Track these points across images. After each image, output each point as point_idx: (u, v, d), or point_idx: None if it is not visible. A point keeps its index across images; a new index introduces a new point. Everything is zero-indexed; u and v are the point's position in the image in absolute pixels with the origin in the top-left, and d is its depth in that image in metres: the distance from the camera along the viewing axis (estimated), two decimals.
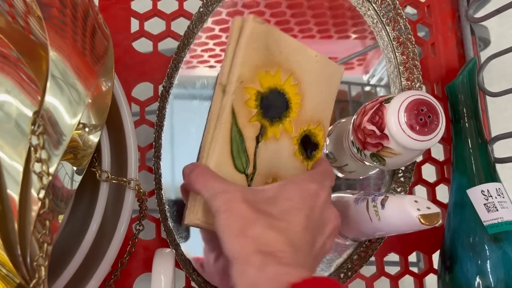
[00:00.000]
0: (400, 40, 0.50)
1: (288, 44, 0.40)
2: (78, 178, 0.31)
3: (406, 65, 0.50)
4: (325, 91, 0.43)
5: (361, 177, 0.51)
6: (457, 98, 0.50)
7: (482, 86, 0.51)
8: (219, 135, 0.38)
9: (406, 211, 0.35)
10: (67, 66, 0.27)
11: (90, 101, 0.31)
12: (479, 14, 0.53)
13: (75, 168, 0.32)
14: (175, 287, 0.44)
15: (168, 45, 0.51)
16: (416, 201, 0.36)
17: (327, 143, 0.49)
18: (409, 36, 0.49)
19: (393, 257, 0.51)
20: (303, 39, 0.54)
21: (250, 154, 0.39)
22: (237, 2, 0.51)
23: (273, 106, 0.40)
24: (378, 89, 0.54)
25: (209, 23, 0.49)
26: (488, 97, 0.53)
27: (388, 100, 0.39)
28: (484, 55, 0.55)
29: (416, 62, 0.49)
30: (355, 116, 0.43)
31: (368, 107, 0.41)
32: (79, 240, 0.33)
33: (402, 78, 0.50)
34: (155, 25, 0.50)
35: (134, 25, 0.49)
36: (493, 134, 0.50)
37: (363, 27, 0.53)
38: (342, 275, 0.47)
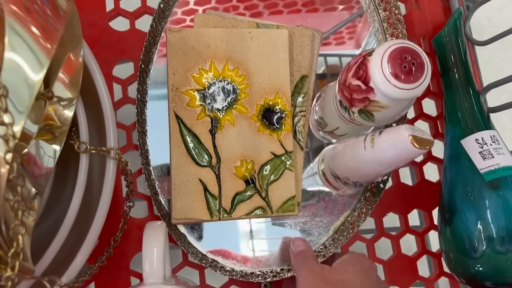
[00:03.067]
0: None
1: (214, 35, 0.44)
2: (57, 155, 0.31)
3: (390, 20, 0.49)
4: (273, 59, 0.44)
5: None
6: (444, 50, 0.49)
7: (470, 35, 0.50)
8: (171, 142, 0.42)
9: (399, 133, 0.35)
10: (24, 26, 0.26)
11: (60, 73, 0.31)
12: None
13: (54, 147, 0.31)
14: (171, 265, 0.43)
15: (146, 21, 0.50)
16: (412, 128, 0.35)
17: (316, 109, 0.48)
18: None
19: (393, 222, 0.50)
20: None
21: (209, 147, 0.43)
22: None
23: (218, 97, 0.43)
24: None
25: None
26: (481, 59, 0.52)
27: (371, 53, 0.38)
28: (475, 15, 0.53)
29: (399, 16, 0.48)
30: (340, 74, 0.42)
31: (352, 63, 0.40)
32: (62, 215, 0.32)
33: (386, 35, 0.49)
34: (130, 2, 0.50)
35: (109, 4, 0.48)
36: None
37: None
38: (341, 237, 0.46)
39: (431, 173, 0.52)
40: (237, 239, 0.45)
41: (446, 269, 0.47)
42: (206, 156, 0.42)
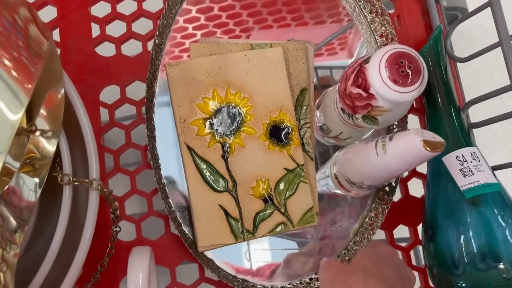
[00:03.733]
0: None
1: (213, 63, 0.45)
2: (39, 189, 0.31)
3: (377, 22, 0.50)
4: (272, 78, 0.46)
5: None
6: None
7: (450, 52, 0.51)
8: (187, 173, 0.43)
9: (411, 138, 0.36)
10: (1, 67, 0.27)
11: (41, 109, 0.32)
12: None
13: (35, 180, 0.32)
14: (159, 286, 0.44)
15: (131, 46, 0.51)
16: (422, 132, 0.36)
17: (318, 116, 0.49)
18: None
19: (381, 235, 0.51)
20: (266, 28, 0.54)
21: (224, 173, 0.44)
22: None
23: (224, 122, 0.44)
24: None
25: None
26: (471, 66, 0.52)
27: (367, 60, 0.39)
28: (465, 22, 0.54)
29: (386, 17, 0.49)
30: (338, 83, 0.43)
31: (349, 71, 0.41)
32: (46, 246, 0.33)
33: (376, 36, 0.50)
34: (116, 28, 0.50)
35: (95, 30, 0.49)
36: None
37: None
38: (362, 239, 0.47)
39: (417, 188, 0.53)
40: (262, 256, 0.47)
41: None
42: (222, 182, 0.43)
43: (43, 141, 0.33)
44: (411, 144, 0.35)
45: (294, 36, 0.53)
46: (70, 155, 0.34)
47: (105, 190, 0.35)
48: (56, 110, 0.32)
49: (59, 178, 0.33)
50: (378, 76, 0.38)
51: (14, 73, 0.27)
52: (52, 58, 0.31)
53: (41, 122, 0.32)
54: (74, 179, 0.33)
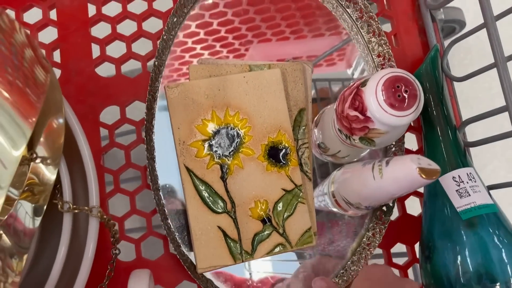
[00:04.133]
0: (363, 19, 0.50)
1: (211, 85, 0.45)
2: (39, 216, 0.32)
3: (374, 42, 0.51)
4: (270, 99, 0.46)
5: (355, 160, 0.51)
6: (422, 86, 0.50)
7: (447, 71, 0.51)
8: (186, 195, 0.43)
9: (406, 165, 0.36)
10: (4, 101, 0.27)
11: (42, 138, 0.32)
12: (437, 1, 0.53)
13: (35, 206, 0.32)
14: None
15: (131, 67, 0.51)
16: (418, 158, 0.37)
17: (316, 134, 0.50)
18: (370, 13, 0.50)
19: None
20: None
21: (223, 194, 0.44)
22: (203, 14, 0.52)
23: (223, 144, 0.45)
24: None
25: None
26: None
27: (364, 84, 0.39)
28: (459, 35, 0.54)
29: (383, 37, 0.50)
30: (336, 105, 0.43)
31: (346, 93, 0.41)
32: (47, 273, 0.33)
33: (373, 55, 0.51)
34: (116, 49, 0.51)
35: (95, 50, 0.50)
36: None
37: (327, 12, 0.53)
38: (359, 258, 0.48)
39: (415, 205, 0.53)
40: (260, 275, 0.47)
41: None
42: (221, 203, 0.44)
43: (43, 169, 0.33)
44: (407, 171, 0.36)
45: (293, 49, 0.53)
46: (70, 182, 0.34)
47: (105, 217, 0.35)
48: (56, 138, 0.33)
49: (59, 206, 0.34)
50: (374, 100, 0.38)
51: (18, 107, 0.28)
52: (53, 88, 0.32)
53: (41, 150, 0.33)
54: (74, 206, 0.34)
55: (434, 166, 0.36)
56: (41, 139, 0.33)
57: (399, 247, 0.52)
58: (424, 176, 0.35)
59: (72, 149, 0.36)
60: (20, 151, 0.28)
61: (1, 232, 0.26)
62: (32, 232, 0.31)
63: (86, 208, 0.34)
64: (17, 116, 0.28)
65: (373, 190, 0.41)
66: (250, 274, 0.47)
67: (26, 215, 0.31)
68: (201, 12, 0.51)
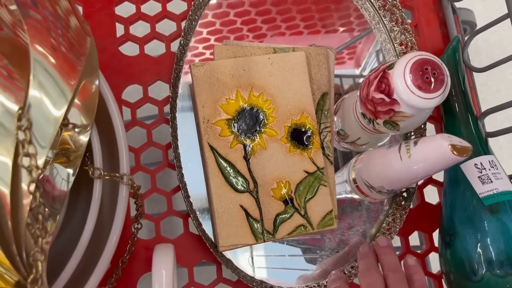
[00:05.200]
0: (386, 7, 0.51)
1: (237, 65, 0.45)
2: (71, 179, 0.32)
3: (396, 30, 0.51)
4: (294, 81, 0.46)
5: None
6: None
7: (468, 62, 0.52)
8: (209, 173, 0.43)
9: (438, 143, 0.36)
10: (47, 63, 0.27)
11: (76, 99, 0.32)
12: None
13: (68, 170, 0.32)
14: (178, 285, 0.44)
15: (154, 46, 0.51)
16: (449, 136, 0.37)
17: (335, 121, 0.50)
18: (394, 2, 0.50)
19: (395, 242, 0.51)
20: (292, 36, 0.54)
21: (245, 173, 0.44)
22: (221, 3, 0.52)
23: (247, 124, 0.45)
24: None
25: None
26: (478, 79, 0.54)
27: (390, 66, 0.40)
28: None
29: (406, 26, 0.50)
30: (360, 89, 0.44)
31: (372, 77, 0.41)
32: (76, 239, 0.33)
33: (395, 44, 0.51)
34: (140, 28, 0.51)
35: (119, 29, 0.50)
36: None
37: (347, 4, 0.54)
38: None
39: (432, 195, 0.53)
40: (279, 257, 0.48)
41: None
42: (243, 182, 0.44)
43: (76, 133, 0.33)
44: (438, 149, 0.36)
45: (305, 44, 0.53)
46: (101, 150, 0.34)
47: (135, 185, 0.35)
48: (90, 102, 0.33)
49: (90, 172, 0.34)
50: (402, 82, 0.38)
51: (61, 70, 0.28)
52: (91, 53, 0.32)
53: (75, 113, 0.32)
54: (105, 173, 0.34)
55: (465, 143, 0.36)
56: (75, 101, 0.32)
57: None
58: (456, 153, 0.35)
59: (101, 118, 0.36)
60: (61, 112, 0.28)
61: (41, 189, 0.26)
62: (64, 194, 0.31)
63: (117, 174, 0.34)
64: (59, 77, 0.28)
65: (400, 171, 0.41)
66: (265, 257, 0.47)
67: (60, 177, 0.31)
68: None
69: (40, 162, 0.25)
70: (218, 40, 0.51)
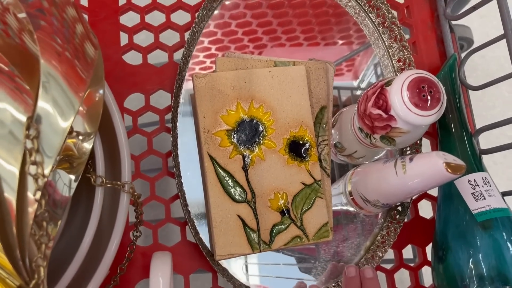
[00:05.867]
0: (385, 24, 0.52)
1: (238, 77, 0.46)
2: (74, 185, 0.32)
3: (395, 47, 0.52)
4: (294, 94, 0.47)
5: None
6: None
7: (464, 80, 0.53)
8: (208, 182, 0.44)
9: (432, 160, 0.37)
10: (57, 74, 0.28)
11: (80, 107, 0.33)
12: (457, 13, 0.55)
13: (71, 176, 0.33)
14: None
15: (157, 56, 0.52)
16: (444, 154, 0.38)
17: (332, 133, 0.51)
18: (394, 19, 0.51)
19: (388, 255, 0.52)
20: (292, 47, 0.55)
21: (243, 184, 0.45)
22: (223, 14, 0.53)
23: (246, 135, 0.45)
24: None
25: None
26: (474, 95, 0.55)
27: (388, 83, 0.41)
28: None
29: (404, 43, 0.51)
30: (358, 104, 0.44)
31: (369, 93, 0.43)
32: (76, 245, 0.34)
33: (393, 60, 0.52)
34: (143, 38, 0.52)
35: (124, 38, 0.51)
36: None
37: (347, 18, 0.55)
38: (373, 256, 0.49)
39: (426, 209, 0.54)
40: (274, 266, 0.49)
41: None
42: (241, 192, 0.44)
43: (80, 141, 0.34)
44: (433, 166, 0.37)
45: (304, 56, 0.54)
46: (103, 157, 0.35)
47: (136, 193, 0.36)
48: (95, 110, 0.33)
49: (92, 180, 0.34)
50: (399, 99, 0.39)
51: (70, 81, 0.29)
52: (99, 64, 0.33)
53: (79, 120, 0.33)
54: (107, 181, 0.34)
55: (459, 161, 0.37)
56: (80, 108, 0.33)
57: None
58: (450, 171, 0.36)
59: (105, 125, 0.36)
60: (68, 123, 0.29)
61: (47, 197, 0.27)
62: (66, 200, 0.31)
63: (119, 183, 0.35)
64: (68, 89, 0.29)
65: (395, 186, 0.42)
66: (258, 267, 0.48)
67: (62, 183, 0.32)
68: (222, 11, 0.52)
69: (47, 171, 0.26)
70: (219, 49, 0.52)
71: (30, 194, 0.26)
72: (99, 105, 0.34)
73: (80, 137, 0.34)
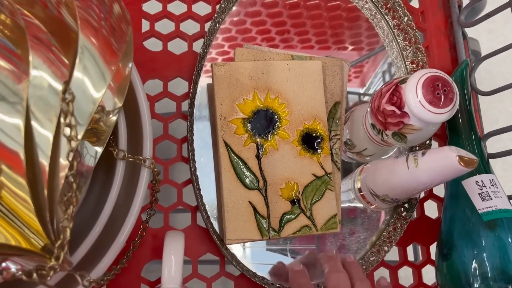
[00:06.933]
0: (401, 27, 0.53)
1: (256, 68, 0.47)
2: (98, 156, 0.33)
3: (408, 49, 0.53)
4: (309, 88, 0.48)
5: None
6: None
7: (474, 85, 0.54)
8: (221, 168, 0.45)
9: (446, 154, 0.38)
10: (93, 48, 0.29)
11: (111, 82, 0.34)
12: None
13: (96, 148, 0.34)
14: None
15: (177, 44, 0.53)
16: (456, 148, 0.39)
17: (344, 131, 0.52)
18: (409, 22, 0.52)
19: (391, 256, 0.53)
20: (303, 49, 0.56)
21: (256, 171, 0.46)
22: (240, 11, 0.54)
23: (261, 124, 0.47)
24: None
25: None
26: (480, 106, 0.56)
27: (403, 81, 0.42)
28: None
29: (419, 45, 0.53)
30: (371, 100, 0.45)
31: (384, 90, 0.44)
32: (93, 218, 0.34)
33: (406, 62, 0.53)
34: (164, 26, 0.53)
35: (145, 25, 0.52)
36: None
37: (360, 23, 0.56)
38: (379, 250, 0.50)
39: (430, 210, 0.55)
40: (281, 256, 0.49)
41: None
42: (254, 180, 0.45)
43: (107, 112, 0.34)
44: (446, 159, 0.38)
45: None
46: (127, 132, 0.36)
47: (156, 169, 0.37)
48: (123, 83, 0.34)
49: (115, 153, 0.35)
50: (414, 96, 0.41)
51: (104, 55, 0.30)
52: (130, 41, 0.34)
53: (107, 93, 0.34)
54: (129, 155, 0.35)
55: (471, 156, 0.38)
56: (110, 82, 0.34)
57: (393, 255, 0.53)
58: (463, 164, 0.37)
59: (128, 100, 0.37)
60: (100, 94, 0.30)
61: (79, 159, 0.28)
62: (90, 169, 0.32)
63: (140, 157, 0.36)
64: (102, 62, 0.30)
65: (406, 180, 0.42)
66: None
67: (87, 154, 0.33)
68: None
69: (79, 136, 0.27)
70: (232, 47, 0.53)
71: (62, 159, 0.27)
72: (127, 79, 0.35)
73: (107, 110, 0.34)
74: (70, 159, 0.26)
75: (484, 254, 0.44)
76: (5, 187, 0.27)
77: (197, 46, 0.52)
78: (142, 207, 0.45)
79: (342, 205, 0.50)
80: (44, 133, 0.27)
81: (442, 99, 0.40)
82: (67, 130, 0.26)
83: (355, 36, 0.57)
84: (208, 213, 0.46)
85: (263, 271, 0.47)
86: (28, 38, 0.29)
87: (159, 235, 0.47)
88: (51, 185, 0.27)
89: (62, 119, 0.27)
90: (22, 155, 0.26)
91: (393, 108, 0.42)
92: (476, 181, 0.47)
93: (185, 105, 0.50)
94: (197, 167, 0.47)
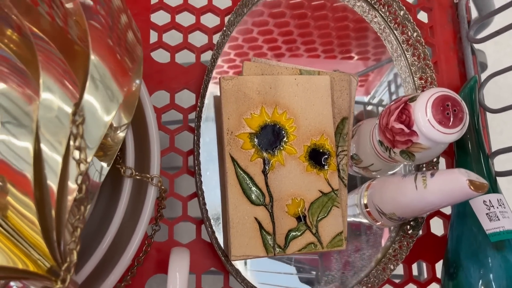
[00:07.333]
0: (410, 42, 0.53)
1: (264, 82, 0.47)
2: (105, 172, 0.33)
3: (418, 65, 0.53)
4: (317, 103, 0.48)
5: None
6: None
7: (483, 102, 0.54)
8: (227, 183, 0.44)
9: (456, 177, 0.38)
10: (105, 68, 0.29)
11: (122, 99, 0.33)
12: (479, 37, 0.56)
13: (103, 164, 0.33)
14: None
15: (185, 56, 0.53)
16: (466, 172, 0.38)
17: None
18: (419, 38, 0.52)
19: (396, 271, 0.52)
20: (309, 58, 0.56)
21: (262, 187, 0.45)
22: (246, 21, 0.54)
23: (268, 139, 0.46)
24: (380, 108, 0.57)
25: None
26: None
27: (412, 99, 0.41)
28: (482, 77, 0.58)
29: (428, 61, 0.52)
30: (379, 117, 0.45)
31: (393, 107, 0.43)
32: (101, 234, 0.34)
33: (415, 78, 0.53)
34: (172, 37, 0.53)
35: (153, 36, 0.52)
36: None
37: (366, 34, 0.56)
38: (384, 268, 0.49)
39: (436, 227, 0.55)
40: (286, 272, 0.49)
41: None
42: (260, 195, 0.45)
43: (115, 128, 0.34)
44: (456, 182, 0.38)
45: (322, 68, 0.55)
46: (134, 149, 0.35)
47: (163, 187, 0.36)
48: (131, 100, 0.34)
49: (122, 171, 0.35)
50: (423, 115, 0.40)
51: (116, 75, 0.29)
52: (140, 60, 0.33)
53: (117, 113, 0.34)
54: (136, 173, 0.35)
55: (482, 180, 0.37)
56: None
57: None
58: (473, 188, 0.37)
59: (136, 117, 0.37)
60: (111, 116, 0.29)
61: (88, 182, 0.27)
62: (97, 186, 0.32)
63: (148, 175, 0.35)
64: (114, 83, 0.30)
65: (414, 200, 0.42)
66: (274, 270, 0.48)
67: (95, 170, 0.32)
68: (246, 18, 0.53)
69: (89, 158, 0.26)
70: (238, 55, 0.52)
71: (70, 183, 0.26)
72: (135, 95, 0.34)
73: (115, 126, 0.34)
74: (79, 182, 0.26)
75: (491, 275, 0.44)
76: (12, 207, 0.27)
77: (205, 57, 0.51)
78: None
79: (347, 220, 0.50)
80: (53, 156, 0.27)
81: (452, 119, 0.40)
82: (76, 153, 0.26)
83: (361, 46, 0.56)
84: (213, 228, 0.46)
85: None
86: (38, 55, 0.28)
87: (163, 249, 0.46)
88: (59, 207, 0.27)
89: (71, 142, 0.26)
90: (30, 176, 0.26)
91: (402, 126, 0.42)
92: (484, 201, 0.47)
93: (191, 117, 0.50)
94: (203, 181, 0.47)
